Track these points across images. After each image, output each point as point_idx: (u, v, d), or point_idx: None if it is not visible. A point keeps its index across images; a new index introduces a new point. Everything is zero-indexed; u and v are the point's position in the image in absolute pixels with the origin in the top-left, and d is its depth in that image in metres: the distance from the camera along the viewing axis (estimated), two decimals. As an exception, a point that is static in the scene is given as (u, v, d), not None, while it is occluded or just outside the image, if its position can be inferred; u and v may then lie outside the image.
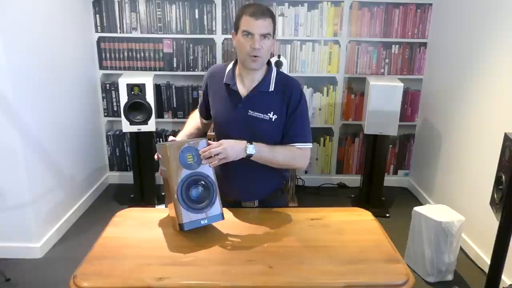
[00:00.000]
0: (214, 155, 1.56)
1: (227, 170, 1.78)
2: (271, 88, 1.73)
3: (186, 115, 3.91)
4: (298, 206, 3.59)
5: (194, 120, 2.02)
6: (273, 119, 1.71)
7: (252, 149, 1.63)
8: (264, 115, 1.71)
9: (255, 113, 1.71)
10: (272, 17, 1.66)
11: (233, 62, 1.80)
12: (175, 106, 3.96)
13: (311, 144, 1.78)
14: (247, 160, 1.64)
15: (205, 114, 1.95)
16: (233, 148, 1.60)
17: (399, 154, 4.15)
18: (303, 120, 1.76)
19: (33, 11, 2.85)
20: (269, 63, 1.78)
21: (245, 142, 1.63)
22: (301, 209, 1.84)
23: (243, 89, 1.75)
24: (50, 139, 3.06)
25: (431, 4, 3.73)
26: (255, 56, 1.64)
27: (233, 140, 1.63)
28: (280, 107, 1.72)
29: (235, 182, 1.80)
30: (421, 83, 3.93)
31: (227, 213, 1.71)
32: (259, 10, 1.63)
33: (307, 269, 1.39)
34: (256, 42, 1.62)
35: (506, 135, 1.96)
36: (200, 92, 1.99)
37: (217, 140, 1.80)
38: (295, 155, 1.74)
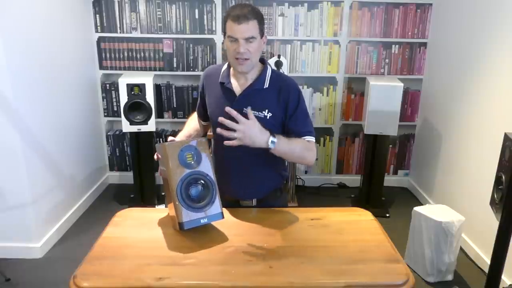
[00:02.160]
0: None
1: (225, 168, 1.78)
2: (266, 85, 1.73)
3: (186, 115, 3.91)
4: (298, 206, 3.58)
5: (194, 121, 2.02)
6: (267, 117, 1.70)
7: (273, 143, 1.59)
8: (259, 112, 1.70)
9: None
10: (258, 17, 1.64)
11: (228, 62, 1.80)
12: (175, 106, 3.96)
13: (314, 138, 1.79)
14: (249, 156, 1.63)
15: (203, 115, 1.95)
16: (252, 138, 1.56)
17: (399, 154, 4.15)
18: (305, 117, 1.76)
19: (33, 11, 2.85)
20: (264, 61, 1.78)
21: (268, 133, 1.59)
22: (301, 209, 1.83)
23: (237, 87, 1.75)
24: (50, 139, 3.06)
25: (431, 4, 3.73)
26: (243, 59, 1.64)
27: (258, 128, 1.58)
28: (275, 105, 1.71)
29: (234, 181, 1.80)
30: (421, 83, 3.92)
31: (227, 213, 1.71)
32: (242, 14, 1.59)
33: (307, 269, 1.39)
34: (240, 46, 1.62)
35: (506, 135, 1.96)
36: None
37: (216, 141, 1.80)
38: (307, 148, 1.73)
